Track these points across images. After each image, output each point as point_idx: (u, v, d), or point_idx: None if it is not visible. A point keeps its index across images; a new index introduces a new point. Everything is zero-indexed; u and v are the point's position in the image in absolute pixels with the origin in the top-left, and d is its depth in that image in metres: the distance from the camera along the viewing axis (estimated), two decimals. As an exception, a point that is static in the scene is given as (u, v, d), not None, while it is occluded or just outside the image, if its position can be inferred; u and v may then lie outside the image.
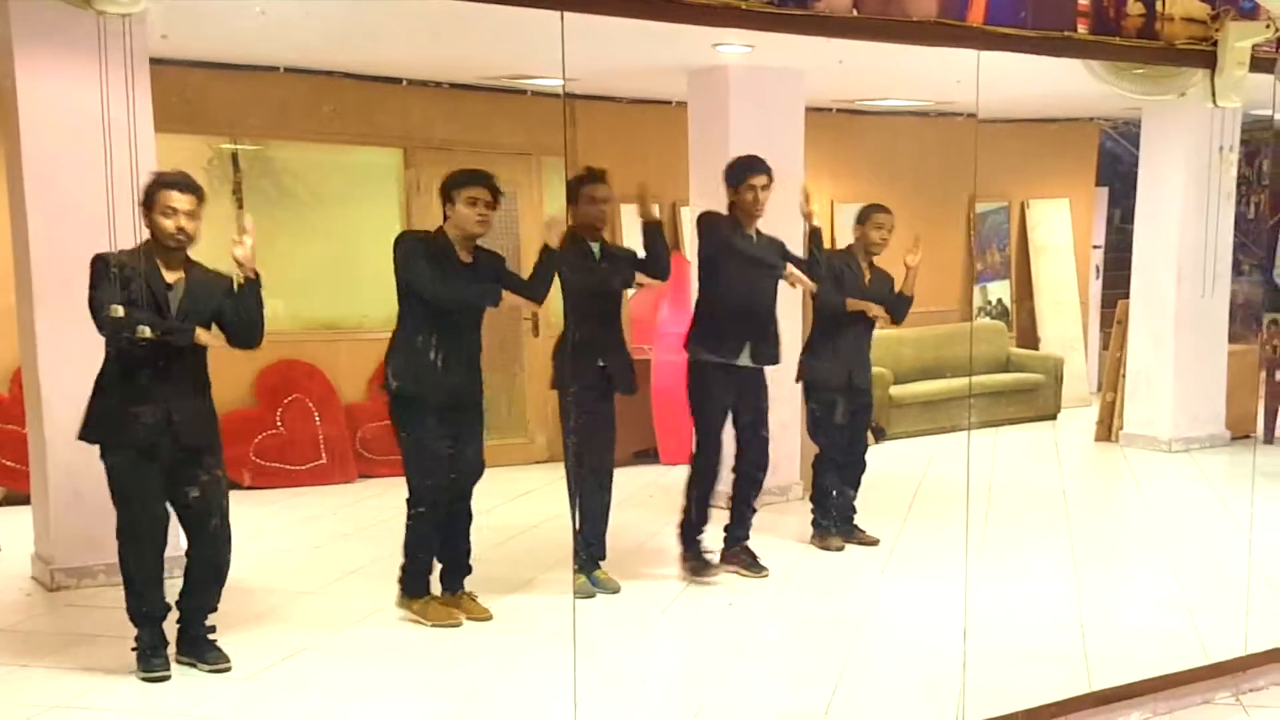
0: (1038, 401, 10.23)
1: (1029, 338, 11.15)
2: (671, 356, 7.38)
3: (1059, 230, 11.27)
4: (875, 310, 6.32)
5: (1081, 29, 4.67)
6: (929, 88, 8.33)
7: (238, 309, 4.69)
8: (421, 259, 5.10)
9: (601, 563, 5.72)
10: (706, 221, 5.92)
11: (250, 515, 7.12)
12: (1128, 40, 4.73)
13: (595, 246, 5.63)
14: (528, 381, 8.34)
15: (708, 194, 7.46)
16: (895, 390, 8.89)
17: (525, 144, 8.82)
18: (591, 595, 5.60)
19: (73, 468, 5.29)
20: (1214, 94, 4.81)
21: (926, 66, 6.23)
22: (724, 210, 5.94)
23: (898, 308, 6.41)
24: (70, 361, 4.93)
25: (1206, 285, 8.89)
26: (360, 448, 8.12)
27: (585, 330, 5.52)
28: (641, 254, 5.78)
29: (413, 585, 5.35)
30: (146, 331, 4.39)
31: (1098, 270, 11.62)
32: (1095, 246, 11.59)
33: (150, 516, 4.59)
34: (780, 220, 7.00)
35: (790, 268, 5.86)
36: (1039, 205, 11.24)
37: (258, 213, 8.24)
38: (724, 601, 5.66)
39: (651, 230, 5.71)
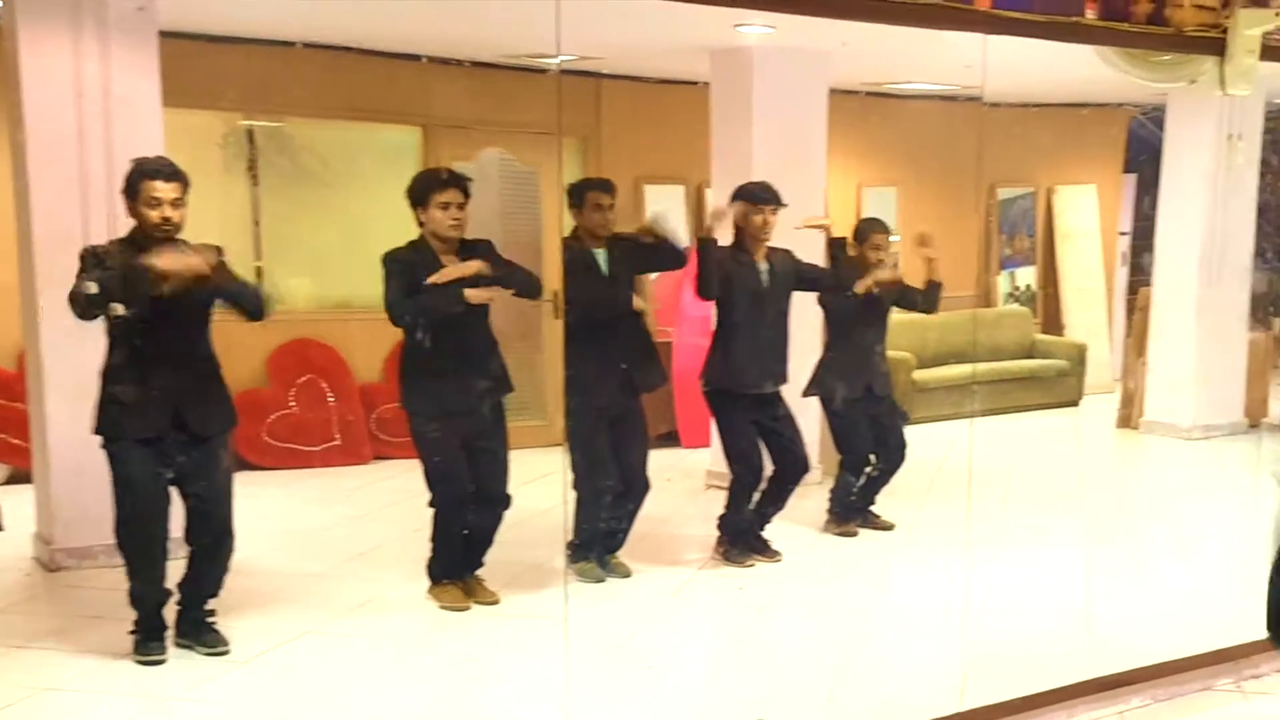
0: (1061, 388, 10.13)
1: (1054, 324, 11.03)
2: (694, 339, 7.29)
3: (1085, 216, 11.15)
4: (886, 276, 6.18)
5: (1090, 14, 4.56)
6: (954, 72, 8.20)
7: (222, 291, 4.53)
8: (400, 281, 4.99)
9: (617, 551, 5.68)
10: (715, 258, 5.76)
11: (261, 496, 7.11)
12: (1137, 26, 4.61)
13: (601, 255, 5.48)
14: (546, 364, 8.24)
15: (730, 175, 7.38)
16: (918, 375, 8.77)
17: (546, 123, 8.71)
18: (601, 580, 5.54)
19: (74, 447, 5.23)
20: (1223, 81, 4.70)
21: (951, 50, 6.11)
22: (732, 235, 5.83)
23: (927, 296, 6.28)
24: (73, 340, 4.85)
25: (1219, 273, 8.79)
26: (375, 429, 8.04)
27: (596, 338, 5.39)
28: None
29: (435, 572, 5.29)
30: (120, 309, 4.30)
31: (1124, 257, 11.47)
32: (1122, 233, 11.46)
33: (151, 502, 4.51)
34: (804, 211, 6.95)
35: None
36: (1066, 191, 11.11)
37: (273, 191, 8.24)
38: (735, 586, 5.58)
39: (658, 243, 5.57)
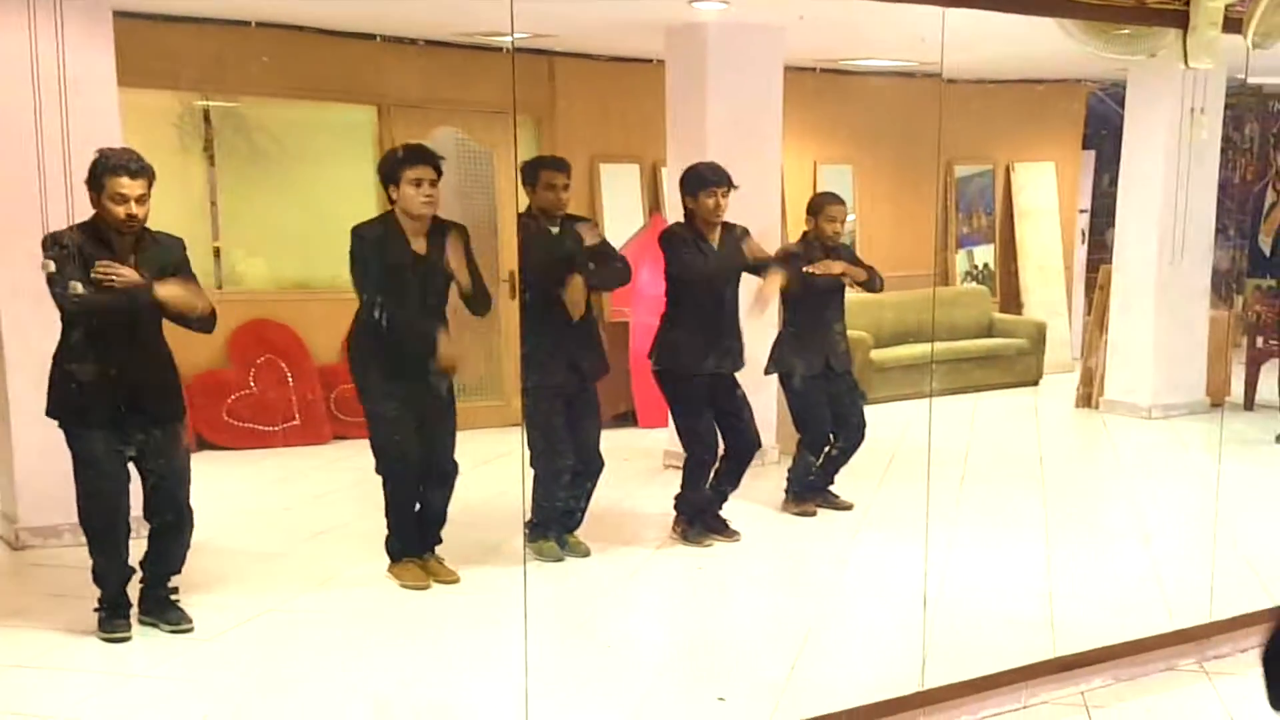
0: (1020, 367, 10.17)
1: (1013, 302, 11.09)
2: (650, 319, 7.30)
3: (1044, 194, 11.20)
4: (839, 269, 6.21)
5: (1050, -16, 4.56)
6: (911, 48, 8.24)
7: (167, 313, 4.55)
8: (368, 261, 5.00)
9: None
10: (668, 240, 5.80)
11: (222, 476, 7.10)
12: (1097, -2, 4.60)
13: (554, 232, 5.49)
14: (504, 344, 8.26)
15: (684, 153, 7.39)
16: (875, 354, 8.83)
17: (500, 102, 8.71)
18: (560, 559, 5.57)
19: (37, 427, 5.14)
20: (1185, 55, 4.66)
21: (908, 25, 6.16)
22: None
23: (872, 278, 6.32)
24: (33, 322, 4.84)
25: (1180, 251, 8.79)
26: (334, 409, 8.04)
27: (551, 317, 5.42)
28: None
29: (391, 549, 5.32)
30: (79, 288, 4.29)
31: (1083, 234, 11.55)
32: (1081, 211, 11.53)
33: (112, 481, 4.53)
34: (760, 188, 6.98)
35: (763, 284, 5.81)
36: (1024, 168, 11.16)
37: (230, 171, 8.20)
38: (694, 565, 5.62)
39: (599, 250, 5.60)
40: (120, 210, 4.35)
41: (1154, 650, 4.62)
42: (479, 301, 5.15)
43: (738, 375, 5.89)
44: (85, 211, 4.70)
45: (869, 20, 7.04)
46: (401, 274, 5.00)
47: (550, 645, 4.55)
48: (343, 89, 8.28)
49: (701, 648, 4.65)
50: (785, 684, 4.27)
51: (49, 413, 4.51)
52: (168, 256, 4.56)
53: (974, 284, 10.95)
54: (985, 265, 11.16)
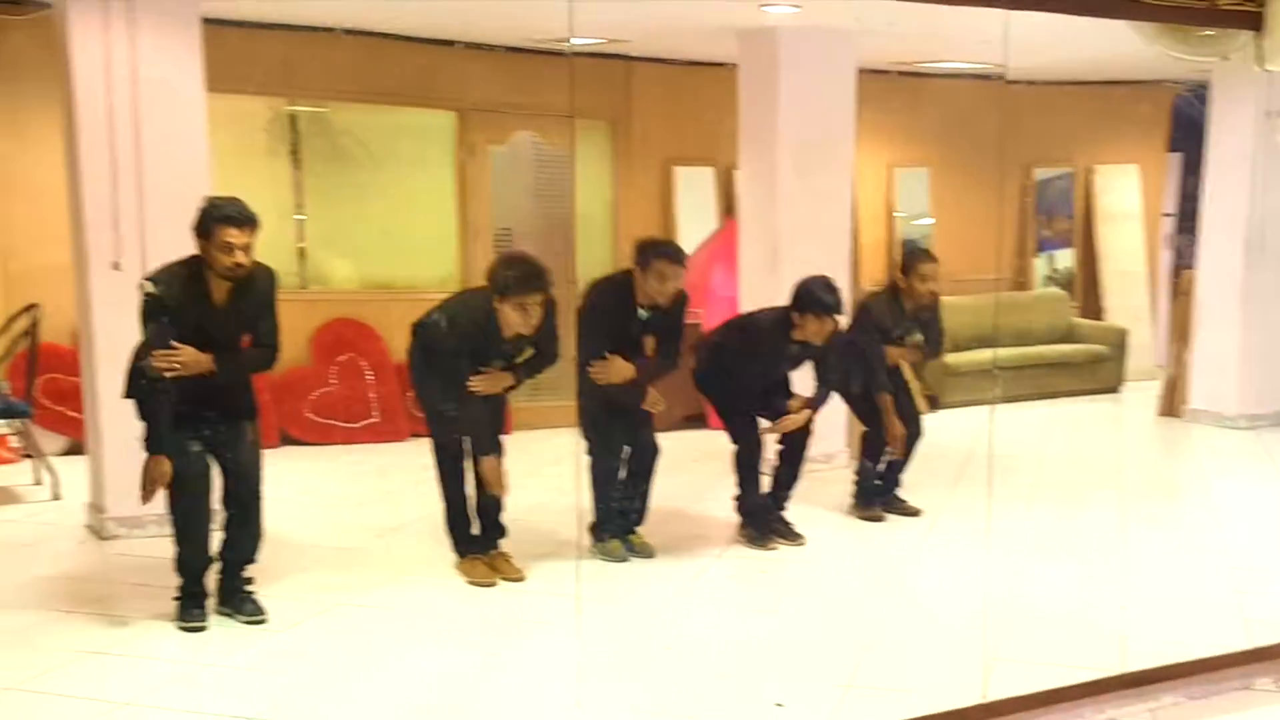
0: (1101, 374, 10.03)
1: (1093, 308, 10.95)
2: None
3: (1127, 197, 11.05)
4: (895, 355, 6.25)
5: (1121, -14, 4.51)
6: (988, 50, 8.19)
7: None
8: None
9: (638, 528, 5.77)
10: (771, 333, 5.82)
11: (302, 471, 7.30)
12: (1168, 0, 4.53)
13: (644, 312, 5.49)
14: (570, 344, 8.35)
15: (757, 156, 7.45)
16: (951, 358, 8.78)
17: (593, 107, 8.84)
18: (625, 559, 5.63)
19: (125, 420, 5.37)
20: (1260, 56, 4.56)
21: (983, 27, 6.13)
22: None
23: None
24: (123, 316, 4.98)
25: (1262, 257, 8.63)
26: (412, 407, 8.19)
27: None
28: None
29: (454, 544, 5.45)
30: (156, 367, 4.49)
31: (1169, 239, 11.36)
32: (1166, 215, 11.33)
33: (193, 471, 4.68)
34: (831, 192, 6.97)
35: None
36: (1106, 171, 11.02)
37: (315, 174, 8.40)
38: (757, 569, 5.66)
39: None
40: (227, 260, 4.53)
41: (1229, 669, 4.47)
42: (546, 360, 5.31)
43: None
44: (171, 217, 4.88)
45: (942, 23, 7.01)
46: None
47: (609, 645, 4.62)
48: (423, 94, 8.47)
49: (761, 652, 4.66)
50: (844, 692, 4.27)
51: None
52: (258, 292, 4.73)
53: (1054, 288, 10.82)
54: (1066, 269, 11.02)
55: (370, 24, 7.95)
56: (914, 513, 6.48)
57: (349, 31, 8.01)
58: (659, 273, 5.38)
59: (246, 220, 4.56)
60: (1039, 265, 10.93)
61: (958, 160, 10.12)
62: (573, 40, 7.96)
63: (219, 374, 4.62)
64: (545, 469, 6.73)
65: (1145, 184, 11.11)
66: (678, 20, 7.54)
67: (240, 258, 4.54)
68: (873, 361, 6.11)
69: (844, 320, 5.82)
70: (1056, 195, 10.97)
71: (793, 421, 5.79)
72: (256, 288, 4.71)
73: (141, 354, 4.55)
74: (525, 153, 8.77)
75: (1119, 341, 10.17)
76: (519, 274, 5.07)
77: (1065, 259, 11.06)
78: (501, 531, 5.43)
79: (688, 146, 9.21)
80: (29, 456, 6.81)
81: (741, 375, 5.80)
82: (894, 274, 6.33)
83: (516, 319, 5.05)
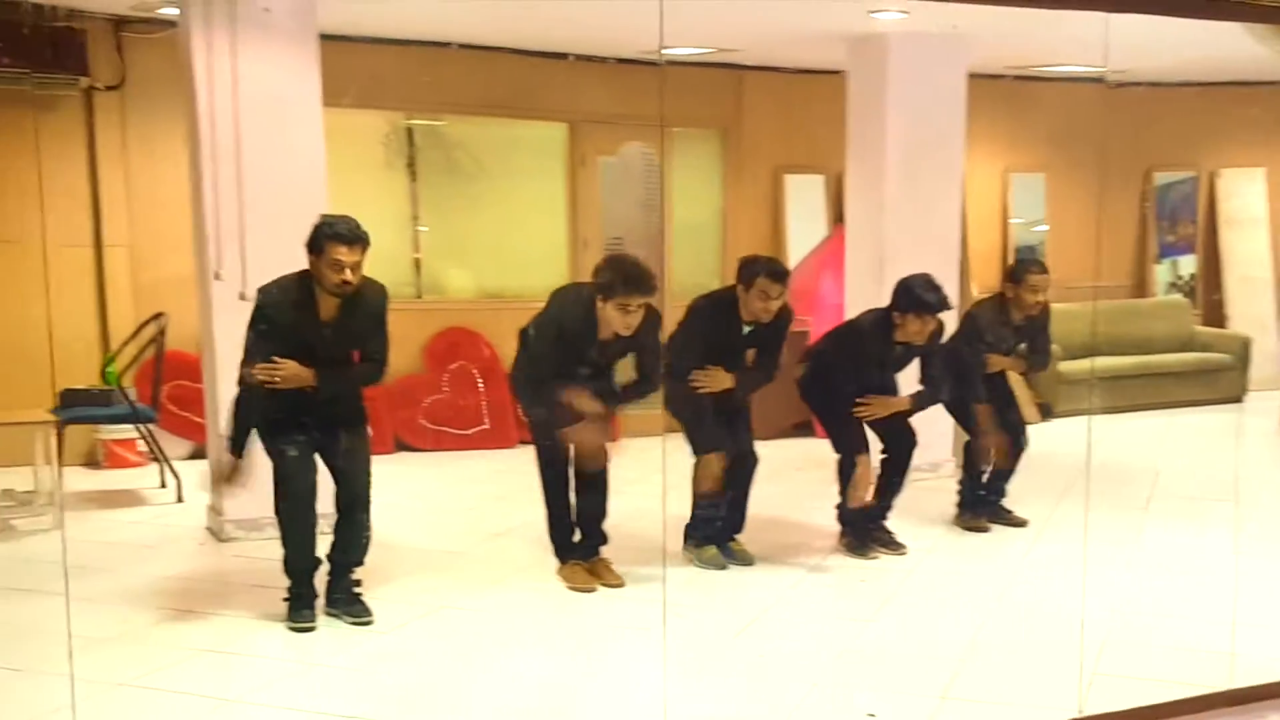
0: (1222, 383, 9.79)
1: (1216, 315, 10.66)
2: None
3: (1253, 202, 10.73)
4: (999, 367, 6.22)
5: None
6: (1097, 53, 8.04)
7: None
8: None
9: (738, 535, 5.80)
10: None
11: (413, 476, 7.48)
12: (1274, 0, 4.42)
13: (747, 328, 5.55)
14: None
15: (864, 164, 7.43)
16: (1064, 366, 8.64)
17: (687, 116, 8.91)
18: (723, 567, 5.66)
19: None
20: None
21: (1097, 31, 6.04)
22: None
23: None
24: (241, 326, 5.16)
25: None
26: (521, 415, 8.33)
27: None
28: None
29: (556, 550, 5.53)
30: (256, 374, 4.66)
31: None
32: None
33: (301, 474, 4.82)
34: (940, 198, 6.93)
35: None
36: (1231, 175, 10.72)
37: (430, 186, 8.60)
38: (857, 578, 5.65)
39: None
40: (336, 277, 4.63)
41: (1341, 688, 4.35)
42: (648, 386, 5.34)
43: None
44: (287, 230, 5.03)
45: (1056, 27, 6.92)
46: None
47: (704, 652, 4.66)
48: (536, 106, 8.59)
49: (856, 661, 4.66)
50: (939, 703, 4.25)
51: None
52: (368, 308, 4.83)
53: (1176, 295, 10.57)
54: (1191, 276, 10.75)
55: (485, 38, 8.11)
56: (1020, 523, 6.40)
57: (464, 46, 8.18)
58: (762, 291, 5.43)
59: (357, 239, 4.65)
60: (1162, 272, 10.68)
61: (1075, 165, 9.94)
62: (679, 50, 8.03)
63: (320, 389, 4.75)
64: (653, 475, 6.78)
65: (1272, 188, 10.78)
66: (787, 29, 7.56)
67: (348, 275, 4.63)
68: (971, 371, 6.06)
69: (947, 319, 5.78)
70: (1179, 200, 10.71)
71: (886, 404, 5.77)
72: (365, 305, 4.81)
73: (244, 361, 4.71)
74: (635, 163, 8.86)
75: (1242, 350, 9.91)
76: (624, 275, 5.14)
77: (1190, 265, 10.78)
78: (603, 538, 5.50)
79: (798, 154, 9.22)
80: (155, 460, 7.09)
81: (845, 380, 5.80)
82: (1003, 283, 6.24)
83: (617, 319, 5.11)
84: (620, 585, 5.38)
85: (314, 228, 4.69)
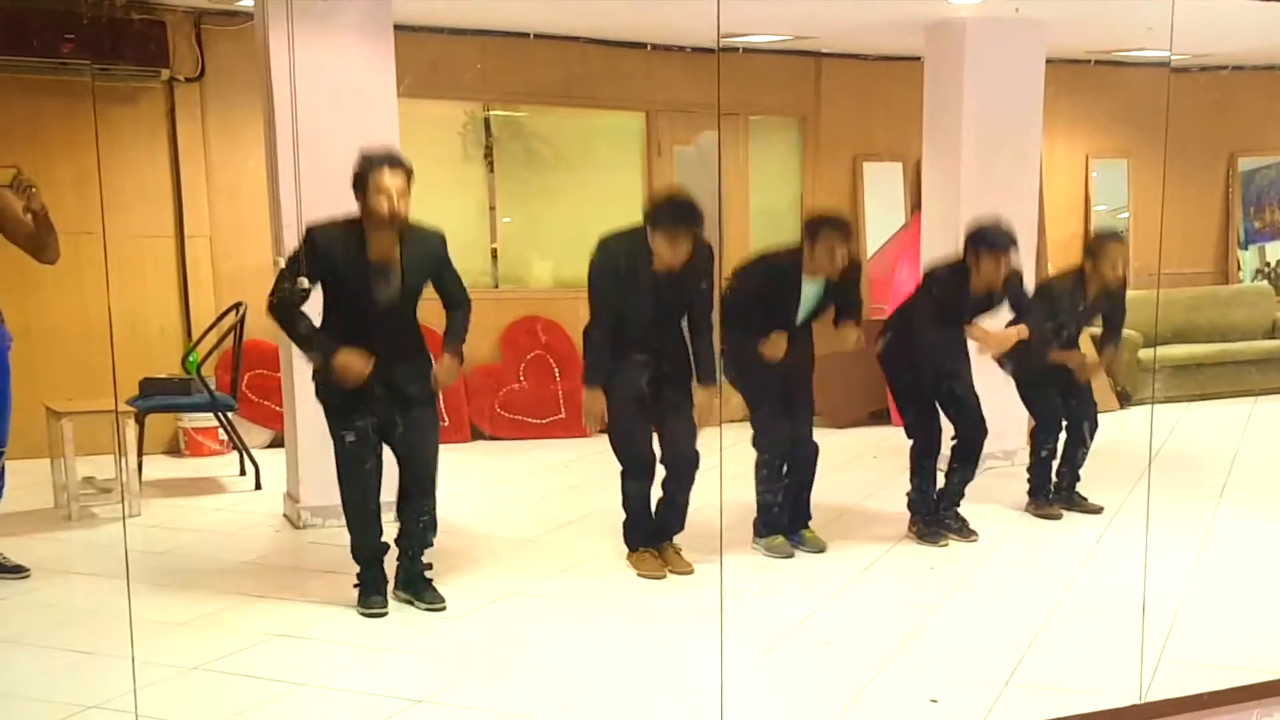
0: (1307, 372, 9.57)
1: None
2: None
3: (1344, 186, 10.46)
4: (1074, 361, 6.14)
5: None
6: (1187, 39, 7.91)
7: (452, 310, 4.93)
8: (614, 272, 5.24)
9: (810, 522, 5.80)
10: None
11: (489, 465, 7.56)
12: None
13: (818, 284, 5.51)
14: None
15: (940, 151, 7.37)
16: (1144, 354, 8.50)
17: (766, 104, 8.89)
18: (790, 555, 5.66)
19: (318, 414, 5.66)
20: None
21: (1179, 16, 5.95)
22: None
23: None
24: (318, 314, 5.27)
25: None
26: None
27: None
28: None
29: (629, 538, 5.56)
30: (304, 283, 4.63)
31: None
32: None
33: (365, 459, 4.85)
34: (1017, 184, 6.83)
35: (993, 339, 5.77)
36: (1321, 158, 10.45)
37: (508, 176, 8.67)
38: (926, 565, 5.62)
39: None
40: (384, 203, 4.58)
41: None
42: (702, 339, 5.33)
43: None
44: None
45: (1132, 11, 6.82)
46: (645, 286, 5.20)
47: (769, 639, 4.67)
48: (613, 96, 8.63)
49: (921, 648, 4.64)
50: (1001, 689, 4.22)
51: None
52: (429, 251, 4.81)
53: (1262, 282, 10.33)
54: (1278, 263, 10.50)
55: (561, 28, 8.16)
56: (1095, 510, 6.33)
57: (540, 36, 8.24)
58: (828, 246, 5.40)
59: (397, 163, 4.60)
60: (1248, 258, 10.45)
61: (1159, 150, 9.75)
62: (757, 38, 8.02)
63: (388, 343, 4.70)
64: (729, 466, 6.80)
65: (1366, 172, 10.49)
66: (865, 15, 7.52)
67: (396, 203, 4.56)
68: (1039, 340, 5.96)
69: (1018, 259, 5.71)
70: (1265, 185, 10.45)
71: (998, 337, 5.74)
72: (422, 244, 4.76)
73: (278, 285, 4.72)
74: (711, 152, 8.85)
75: (1326, 339, 9.66)
76: (670, 207, 5.19)
77: (1276, 252, 10.52)
78: (677, 526, 5.49)
79: (876, 142, 9.17)
80: (235, 449, 7.24)
81: (925, 338, 5.73)
82: (1083, 259, 6.15)
83: (665, 250, 5.08)
84: (690, 572, 5.39)
85: (355, 165, 4.65)
